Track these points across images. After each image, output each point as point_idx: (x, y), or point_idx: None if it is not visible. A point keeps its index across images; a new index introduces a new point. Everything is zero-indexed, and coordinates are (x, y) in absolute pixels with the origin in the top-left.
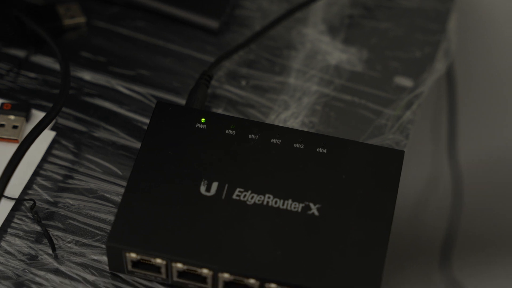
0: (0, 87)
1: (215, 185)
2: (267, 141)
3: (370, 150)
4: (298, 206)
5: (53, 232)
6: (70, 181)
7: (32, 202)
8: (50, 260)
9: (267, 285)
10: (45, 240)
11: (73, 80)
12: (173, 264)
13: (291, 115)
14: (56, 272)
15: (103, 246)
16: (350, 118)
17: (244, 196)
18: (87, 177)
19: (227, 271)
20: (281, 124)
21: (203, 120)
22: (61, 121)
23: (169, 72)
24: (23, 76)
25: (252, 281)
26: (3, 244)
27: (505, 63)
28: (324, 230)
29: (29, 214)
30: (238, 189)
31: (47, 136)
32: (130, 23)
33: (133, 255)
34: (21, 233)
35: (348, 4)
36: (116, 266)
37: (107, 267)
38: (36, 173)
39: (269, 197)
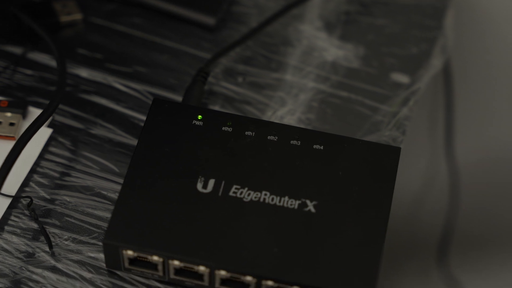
0: None
1: (211, 182)
2: (263, 138)
3: (366, 147)
4: (294, 203)
5: (50, 230)
6: (67, 178)
7: (29, 199)
8: (47, 257)
9: (263, 282)
10: (42, 238)
11: (69, 77)
12: (170, 262)
13: (287, 111)
14: (53, 269)
15: (100, 243)
16: (347, 114)
17: (241, 193)
18: (84, 174)
19: (224, 268)
20: (277, 121)
21: (199, 117)
22: (58, 118)
23: (166, 69)
24: (19, 73)
25: (248, 278)
26: (0, 241)
27: (502, 59)
28: (320, 227)
29: (26, 212)
30: (234, 186)
31: (44, 133)
32: (126, 20)
33: (130, 252)
34: (18, 230)
35: (344, 0)
36: (113, 263)
37: (104, 265)
38: (33, 170)
39: (265, 194)
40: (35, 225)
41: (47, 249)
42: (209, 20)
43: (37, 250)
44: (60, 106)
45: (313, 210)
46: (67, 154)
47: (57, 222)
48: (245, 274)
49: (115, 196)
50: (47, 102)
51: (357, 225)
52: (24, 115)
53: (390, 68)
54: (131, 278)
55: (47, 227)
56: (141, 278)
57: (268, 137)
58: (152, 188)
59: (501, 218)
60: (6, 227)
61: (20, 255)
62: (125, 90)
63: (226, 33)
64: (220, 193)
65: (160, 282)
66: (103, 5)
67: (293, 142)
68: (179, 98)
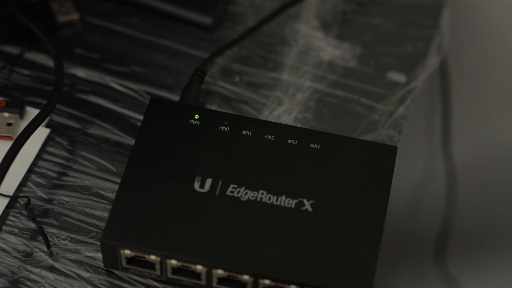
0: None
1: (209, 182)
2: (260, 137)
3: (363, 146)
4: (291, 202)
5: (48, 229)
6: (64, 178)
7: (27, 199)
8: (45, 257)
9: (261, 281)
10: (40, 237)
11: (66, 77)
12: (168, 261)
13: (284, 111)
14: (51, 269)
15: (98, 243)
16: (343, 113)
17: (238, 192)
18: (82, 174)
19: (221, 268)
20: (274, 120)
21: (196, 116)
22: (55, 118)
23: (163, 68)
24: (16, 73)
25: (246, 277)
26: None
27: (498, 58)
28: (317, 226)
29: (24, 212)
30: (232, 186)
31: (41, 133)
32: (123, 19)
33: (127, 251)
34: (16, 230)
35: (340, 0)
36: (111, 263)
37: (102, 264)
38: (30, 170)
39: (262, 193)
40: (33, 225)
41: (45, 248)
42: (206, 20)
43: (35, 249)
44: (58, 106)
45: (310, 209)
46: (64, 154)
47: (55, 222)
48: (242, 273)
49: (112, 195)
50: (44, 102)
51: (354, 224)
52: (22, 115)
53: (387, 67)
54: (129, 278)
55: (45, 226)
56: (139, 277)
57: (265, 137)
58: (149, 187)
59: (498, 217)
60: (4, 227)
61: (18, 255)
62: (122, 89)
63: (222, 33)
64: (217, 193)
65: (158, 281)
66: (100, 5)
67: (290, 141)
68: (176, 98)
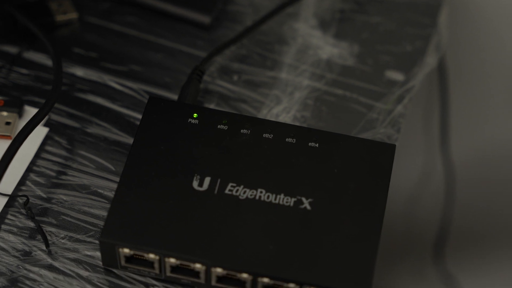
0: None
1: (207, 180)
2: (259, 136)
3: (361, 144)
4: (290, 201)
5: (46, 228)
6: (63, 177)
7: (26, 198)
8: (43, 256)
9: (259, 279)
10: (39, 236)
11: (65, 76)
12: (166, 259)
13: (283, 109)
14: (50, 268)
15: (97, 241)
16: (342, 112)
17: (237, 191)
18: (80, 173)
19: (220, 266)
20: (273, 119)
21: (195, 115)
22: (54, 117)
23: (161, 67)
24: (15, 73)
25: (244, 275)
26: None
27: (496, 57)
28: (316, 224)
29: (23, 211)
30: (230, 184)
31: (40, 132)
32: (122, 18)
33: (126, 250)
34: (14, 229)
35: None
36: (110, 261)
37: (101, 263)
38: (29, 169)
39: (261, 192)
40: (31, 224)
41: (44, 247)
42: (204, 19)
43: (34, 248)
44: (56, 105)
45: (308, 207)
46: (63, 153)
47: (53, 221)
48: (241, 272)
49: (111, 194)
50: (43, 101)
51: (353, 222)
52: (20, 114)
53: (385, 65)
54: (128, 276)
55: (43, 225)
56: (138, 276)
57: (264, 135)
58: (148, 186)
59: (496, 215)
60: (2, 226)
61: (17, 254)
62: (120, 88)
63: (221, 32)
64: (216, 191)
65: (157, 280)
66: (98, 4)
67: (289, 139)
68: (174, 97)
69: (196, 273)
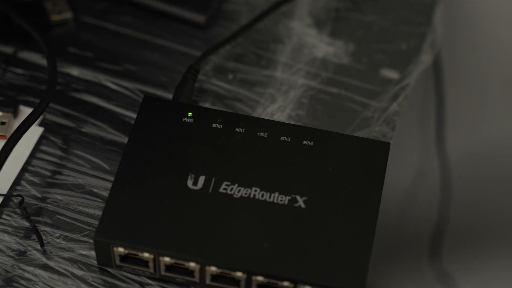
0: None
1: (202, 179)
2: (253, 135)
3: (356, 142)
4: (284, 199)
5: (41, 228)
6: (58, 176)
7: (21, 198)
8: (38, 255)
9: (254, 277)
10: (34, 236)
11: (60, 75)
12: (161, 258)
13: (278, 108)
14: (45, 267)
15: (92, 241)
16: (337, 110)
17: (231, 189)
18: (75, 173)
19: (214, 265)
20: (268, 118)
21: (190, 114)
22: (49, 116)
23: (156, 66)
24: (10, 72)
25: (239, 274)
26: None
27: (491, 54)
28: (310, 223)
29: (18, 210)
30: (225, 183)
31: (35, 132)
32: (117, 18)
33: (120, 249)
34: (9, 229)
35: None
36: (104, 260)
37: (96, 262)
38: (24, 169)
39: (256, 190)
40: (26, 224)
41: (39, 247)
42: (200, 18)
43: (29, 248)
44: (51, 105)
45: (303, 205)
46: (58, 152)
47: (48, 220)
48: (235, 270)
49: (106, 194)
50: (38, 101)
51: (347, 220)
52: (15, 114)
53: (380, 64)
54: (123, 275)
55: (38, 225)
56: (133, 275)
57: (258, 134)
58: (142, 185)
59: (493, 213)
60: None
61: (11, 253)
62: (116, 88)
63: (216, 31)
64: (210, 190)
65: (151, 279)
66: (93, 3)
67: (283, 138)
68: (170, 96)
69: (190, 272)
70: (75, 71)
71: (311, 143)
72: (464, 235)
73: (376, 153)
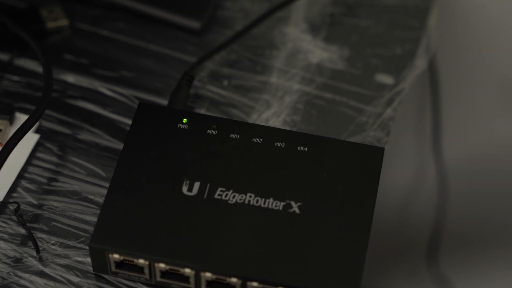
0: None
1: (197, 185)
2: (248, 140)
3: (350, 148)
4: (279, 205)
5: (37, 235)
6: (54, 183)
7: (16, 205)
8: (34, 262)
9: (249, 283)
10: (30, 243)
11: (56, 82)
12: (156, 264)
13: (273, 114)
14: (41, 274)
15: (87, 247)
16: (332, 116)
17: (226, 195)
18: (71, 179)
19: (209, 270)
20: (263, 124)
21: (184, 120)
22: (45, 123)
23: (152, 73)
24: (6, 80)
25: (234, 279)
26: None
27: (486, 57)
28: (305, 228)
29: (14, 217)
30: (219, 189)
31: (31, 139)
32: (112, 25)
33: (116, 255)
34: (5, 236)
35: (328, 2)
36: (100, 267)
37: (91, 269)
38: (20, 176)
39: (250, 196)
40: (22, 231)
41: (35, 254)
42: (194, 24)
43: (25, 255)
44: (47, 111)
45: (297, 211)
46: (54, 159)
47: (44, 227)
48: (230, 276)
49: (102, 200)
50: (34, 108)
51: (342, 225)
52: (11, 121)
53: (375, 69)
54: (118, 282)
55: (34, 232)
56: (128, 281)
57: (253, 140)
58: (137, 191)
59: (490, 216)
60: None
61: (8, 260)
62: (111, 95)
63: (211, 37)
64: (205, 196)
65: (147, 285)
66: (88, 10)
67: (278, 144)
68: (165, 102)
69: (186, 278)
70: (70, 78)
71: (306, 149)
72: (461, 238)
73: (371, 158)
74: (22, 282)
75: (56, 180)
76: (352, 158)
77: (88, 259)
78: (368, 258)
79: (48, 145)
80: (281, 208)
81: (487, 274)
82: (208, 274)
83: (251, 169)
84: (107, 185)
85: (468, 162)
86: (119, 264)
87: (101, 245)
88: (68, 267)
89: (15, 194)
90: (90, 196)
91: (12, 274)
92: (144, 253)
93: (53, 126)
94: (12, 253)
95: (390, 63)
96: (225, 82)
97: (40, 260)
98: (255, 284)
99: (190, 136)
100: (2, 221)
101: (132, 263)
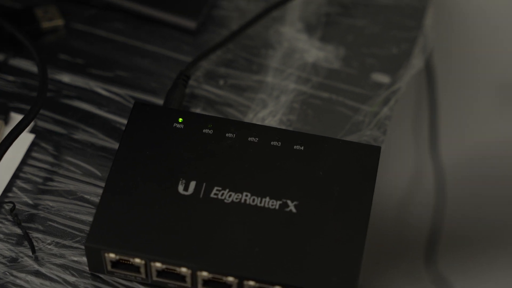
0: None
1: (193, 184)
2: (244, 140)
3: (346, 147)
4: (275, 204)
5: (33, 234)
6: (49, 183)
7: (12, 204)
8: (30, 262)
9: (245, 282)
10: (25, 242)
11: (52, 82)
12: (152, 264)
13: (269, 113)
14: (37, 274)
15: (83, 247)
16: (328, 115)
17: (222, 194)
18: (67, 179)
19: (205, 270)
20: (259, 123)
21: (180, 119)
22: (40, 123)
23: (147, 73)
24: (1, 79)
25: (230, 279)
26: None
27: (483, 57)
28: (301, 227)
29: (9, 217)
30: (215, 188)
31: (26, 138)
32: (107, 25)
33: (111, 255)
34: (1, 235)
35: (324, 2)
36: (96, 266)
37: (87, 268)
38: (15, 176)
39: (246, 195)
40: (18, 230)
41: (31, 253)
42: (190, 24)
43: (21, 254)
44: (43, 111)
45: (294, 210)
46: (49, 159)
47: (40, 227)
48: (227, 275)
49: (97, 200)
50: (29, 107)
51: (338, 224)
52: (6, 121)
53: (371, 68)
54: (114, 281)
55: (30, 231)
56: (124, 280)
57: (249, 139)
58: (133, 191)
59: (488, 216)
60: None
61: (3, 260)
62: (107, 94)
63: (207, 37)
64: (201, 195)
65: (143, 284)
66: (84, 10)
67: (274, 143)
68: (161, 102)
69: (182, 277)
70: (66, 78)
71: (302, 148)
72: (459, 238)
73: (367, 157)
74: (18, 281)
75: (51, 180)
76: (349, 157)
77: (84, 259)
78: (366, 257)
79: (44, 144)
80: (277, 207)
81: (486, 274)
82: (205, 273)
83: (247, 168)
84: (103, 184)
85: (465, 161)
86: (115, 264)
87: (97, 244)
88: (64, 267)
89: (10, 194)
90: (85, 196)
91: (8, 273)
92: (140, 252)
93: (48, 126)
94: (7, 253)
95: (386, 63)
96: (221, 82)
97: (36, 259)
98: (251, 283)
99: (186, 135)
100: None
101: (128, 262)
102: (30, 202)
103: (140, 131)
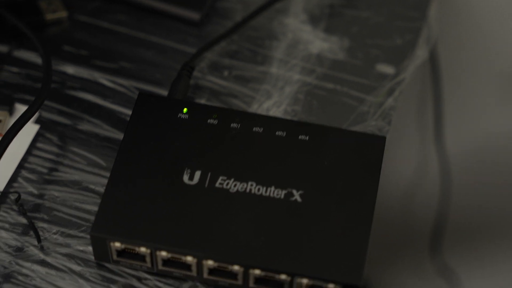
0: None
1: (198, 174)
2: (249, 130)
3: (351, 137)
4: (280, 193)
5: (38, 224)
6: (54, 173)
7: (17, 194)
8: (36, 251)
9: (251, 271)
10: (31, 232)
11: (56, 74)
12: (158, 253)
13: (273, 104)
14: (42, 263)
15: (88, 236)
16: (333, 106)
17: (227, 184)
18: (72, 169)
19: (211, 258)
20: (263, 113)
21: (185, 110)
22: (45, 114)
23: (152, 64)
24: (5, 71)
25: (236, 267)
26: None
27: (487, 47)
28: (306, 216)
29: (15, 207)
30: (221, 177)
31: (30, 129)
32: (111, 16)
33: (117, 244)
34: (6, 225)
35: None
36: (102, 255)
37: (93, 257)
38: (20, 166)
39: (252, 185)
40: (23, 220)
41: (36, 243)
42: (194, 16)
43: (26, 244)
44: (47, 102)
45: (299, 199)
46: (54, 149)
47: (45, 217)
48: (232, 264)
49: (102, 189)
50: (33, 98)
51: (343, 213)
52: (11, 112)
53: (375, 59)
54: (120, 270)
55: (35, 221)
56: (130, 269)
57: (254, 129)
58: (138, 180)
59: (493, 207)
60: None
61: (9, 250)
62: (111, 85)
63: (211, 28)
64: (206, 185)
65: (149, 273)
66: (88, 2)
67: (279, 133)
68: (165, 93)
69: (187, 266)
70: (70, 69)
71: (307, 138)
72: (464, 229)
73: (372, 146)
74: (24, 271)
75: (56, 170)
76: (354, 146)
77: (90, 248)
78: (371, 247)
79: (48, 135)
80: (282, 196)
81: (491, 264)
82: (210, 262)
83: (252, 158)
84: (108, 174)
85: (470, 151)
86: (120, 253)
87: (102, 234)
88: (69, 256)
89: (15, 184)
90: (90, 186)
91: (13, 263)
92: (146, 241)
93: (53, 117)
94: (13, 243)
95: (390, 53)
96: (225, 73)
97: (41, 249)
98: (257, 271)
99: (191, 125)
100: (3, 211)
101: (133, 251)
102: (35, 192)
103: (144, 121)
